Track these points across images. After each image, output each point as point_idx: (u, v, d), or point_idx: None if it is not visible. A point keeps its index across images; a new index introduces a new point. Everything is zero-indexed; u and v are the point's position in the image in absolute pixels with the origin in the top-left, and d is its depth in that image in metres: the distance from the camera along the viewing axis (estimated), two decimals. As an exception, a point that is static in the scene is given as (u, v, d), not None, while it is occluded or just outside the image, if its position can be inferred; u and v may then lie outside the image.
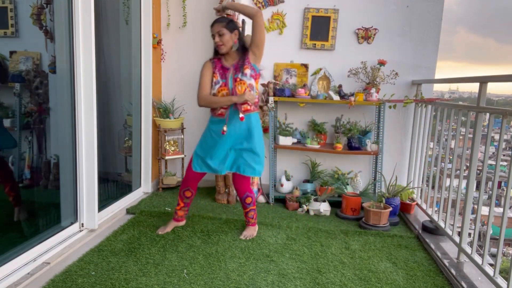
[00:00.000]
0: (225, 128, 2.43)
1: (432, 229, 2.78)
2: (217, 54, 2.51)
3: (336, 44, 3.54)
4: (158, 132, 3.55)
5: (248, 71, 2.43)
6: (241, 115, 2.40)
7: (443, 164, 2.77)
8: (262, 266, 2.25)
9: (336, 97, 3.37)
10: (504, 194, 1.88)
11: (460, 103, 2.78)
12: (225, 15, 2.61)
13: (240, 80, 2.42)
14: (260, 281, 2.08)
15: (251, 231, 2.70)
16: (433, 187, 2.94)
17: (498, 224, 2.21)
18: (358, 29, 3.49)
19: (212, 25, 2.43)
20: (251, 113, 2.49)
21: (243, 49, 2.48)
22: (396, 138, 3.58)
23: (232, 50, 2.45)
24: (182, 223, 2.76)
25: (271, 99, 3.38)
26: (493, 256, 2.18)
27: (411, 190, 3.32)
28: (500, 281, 1.91)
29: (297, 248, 2.52)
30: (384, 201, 3.03)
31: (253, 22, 2.40)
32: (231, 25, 2.42)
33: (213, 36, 2.44)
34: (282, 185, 3.56)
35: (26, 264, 2.02)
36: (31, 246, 2.10)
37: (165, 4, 3.62)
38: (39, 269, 2.04)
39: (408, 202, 3.25)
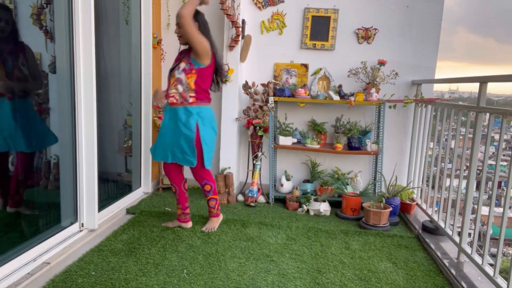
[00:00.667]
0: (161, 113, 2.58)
1: (432, 229, 2.78)
2: None
3: (336, 44, 3.54)
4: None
5: (182, 65, 2.52)
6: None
7: (443, 164, 2.77)
8: (262, 266, 2.25)
9: (336, 97, 3.37)
10: (504, 194, 1.88)
11: (460, 103, 2.78)
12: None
13: (173, 71, 2.55)
14: (260, 281, 2.08)
15: (213, 223, 2.75)
16: (433, 187, 2.94)
17: (498, 224, 2.20)
18: (358, 29, 3.49)
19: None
20: (178, 107, 2.53)
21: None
22: (396, 138, 3.58)
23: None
24: (187, 225, 2.78)
25: (271, 99, 3.38)
26: (493, 256, 2.18)
27: (411, 190, 3.31)
28: (500, 281, 1.91)
29: (297, 248, 2.52)
30: (384, 201, 3.03)
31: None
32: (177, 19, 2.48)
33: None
34: (282, 185, 3.56)
35: (26, 264, 2.01)
36: (31, 246, 2.10)
37: (165, 4, 3.62)
38: (39, 269, 2.04)
39: (408, 202, 3.25)
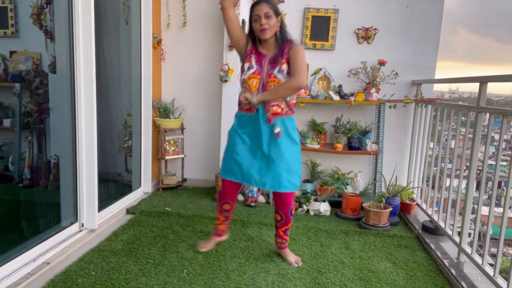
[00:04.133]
0: (274, 126, 2.09)
1: (432, 229, 2.78)
2: (254, 42, 2.16)
3: (336, 44, 3.54)
4: (158, 132, 3.54)
5: (285, 67, 2.07)
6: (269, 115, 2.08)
7: (443, 164, 2.78)
8: (262, 266, 2.25)
9: (336, 97, 3.37)
10: (504, 194, 1.88)
11: (460, 103, 2.78)
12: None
13: (275, 76, 2.07)
14: (260, 281, 2.08)
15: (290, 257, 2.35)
16: (433, 187, 2.94)
17: (498, 224, 2.20)
18: (358, 29, 3.49)
19: (257, 4, 2.05)
20: (284, 117, 2.13)
21: (284, 39, 2.12)
22: (396, 138, 3.58)
23: (272, 39, 2.12)
24: (225, 237, 2.49)
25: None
26: (493, 256, 2.18)
27: (411, 190, 3.31)
28: (500, 281, 1.91)
29: (297, 248, 2.52)
30: (384, 201, 3.03)
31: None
32: (277, 9, 2.09)
33: (257, 18, 2.04)
34: (282, 185, 3.55)
35: (26, 264, 2.01)
36: (31, 246, 2.10)
37: (165, 4, 3.62)
38: (39, 269, 2.04)
39: (408, 202, 3.25)
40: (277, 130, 2.07)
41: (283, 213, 2.25)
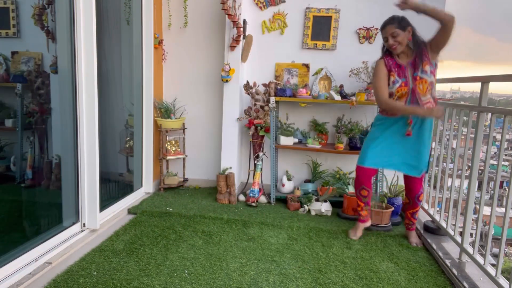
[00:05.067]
0: (410, 129, 2.42)
1: (434, 229, 2.78)
2: (388, 53, 2.46)
3: (337, 44, 3.54)
4: (160, 132, 3.55)
5: (428, 68, 2.33)
6: (409, 128, 2.42)
7: (444, 164, 2.77)
8: (264, 266, 2.25)
9: (338, 97, 3.37)
10: (506, 194, 1.88)
11: (462, 103, 2.77)
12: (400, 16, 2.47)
13: (421, 78, 2.33)
14: (262, 281, 2.08)
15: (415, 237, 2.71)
16: (434, 187, 2.93)
17: (500, 224, 2.20)
18: (360, 29, 3.49)
19: (384, 28, 2.39)
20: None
21: (418, 44, 2.37)
22: (397, 138, 3.57)
23: (406, 48, 2.39)
24: (369, 222, 2.76)
25: (272, 99, 3.37)
26: (495, 256, 2.18)
27: (412, 190, 3.30)
28: (502, 281, 1.91)
29: (298, 248, 2.52)
30: (386, 201, 3.03)
31: (443, 27, 2.26)
32: (403, 23, 2.36)
33: (385, 39, 2.38)
34: (283, 185, 3.56)
35: (28, 264, 2.02)
36: (33, 246, 2.10)
37: (166, 4, 3.63)
38: (40, 269, 2.05)
39: (409, 202, 3.24)
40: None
41: (410, 198, 2.65)
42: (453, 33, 2.26)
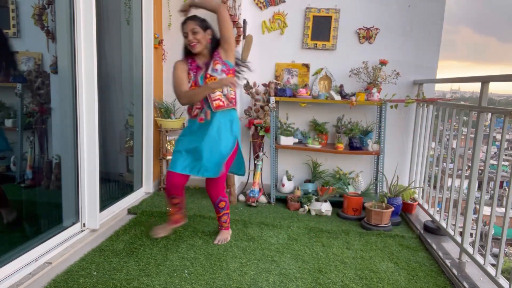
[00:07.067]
0: (202, 116, 2.34)
1: (434, 229, 2.77)
2: (189, 54, 2.42)
3: (337, 44, 3.54)
4: (160, 132, 3.55)
5: (219, 66, 2.34)
6: (202, 115, 2.34)
7: (444, 164, 2.77)
8: (264, 266, 2.25)
9: (338, 97, 3.37)
10: (506, 194, 1.88)
11: (462, 103, 2.77)
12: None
13: (210, 76, 2.33)
14: (262, 281, 2.08)
15: (225, 235, 2.59)
16: (434, 187, 2.93)
17: (500, 224, 2.20)
18: (360, 29, 3.49)
19: (184, 23, 2.34)
20: (224, 109, 2.37)
21: (213, 46, 2.39)
22: (397, 138, 3.58)
23: (205, 49, 2.37)
24: (182, 221, 2.64)
25: (272, 99, 3.37)
26: (495, 256, 2.18)
27: (412, 190, 3.31)
28: (502, 281, 1.91)
29: (298, 248, 2.52)
30: (386, 201, 3.03)
31: (218, 17, 2.32)
32: (205, 23, 2.36)
33: (185, 34, 2.33)
34: (283, 185, 3.56)
35: (28, 264, 2.02)
36: (32, 246, 2.10)
37: (166, 4, 3.62)
38: (40, 269, 2.05)
39: (409, 202, 3.25)
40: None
41: (212, 203, 2.59)
42: (227, 19, 2.32)
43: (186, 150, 2.37)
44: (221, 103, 2.36)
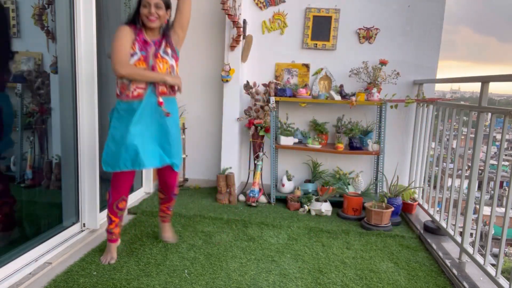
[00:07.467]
0: (161, 99, 2.12)
1: (434, 229, 2.77)
2: (134, 23, 2.15)
3: (337, 44, 3.54)
4: (160, 132, 3.54)
5: (169, 51, 2.19)
6: (160, 99, 2.11)
7: (444, 164, 2.77)
8: (264, 266, 2.25)
9: (338, 97, 3.37)
10: (506, 194, 1.88)
11: (462, 103, 2.77)
12: None
13: (162, 57, 2.14)
14: (262, 281, 2.08)
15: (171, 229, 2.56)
16: (434, 187, 2.93)
17: (500, 224, 2.20)
18: (360, 29, 3.49)
19: None
20: (169, 97, 2.20)
21: (167, 28, 2.22)
22: (397, 138, 3.58)
23: (159, 27, 2.19)
24: (118, 243, 2.32)
25: (272, 99, 3.37)
26: (495, 256, 2.18)
27: (412, 190, 3.31)
28: (502, 281, 1.91)
29: (298, 248, 2.52)
30: (386, 201, 3.03)
31: (180, 2, 2.20)
32: (168, 2, 2.19)
33: (147, 5, 2.08)
34: (283, 185, 3.56)
35: (28, 264, 2.02)
36: (32, 246, 2.10)
37: (166, 4, 3.62)
38: (40, 269, 2.05)
39: (409, 202, 3.25)
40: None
41: (166, 193, 2.46)
42: (190, 9, 2.24)
43: (144, 140, 2.11)
44: (165, 89, 2.17)
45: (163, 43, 2.18)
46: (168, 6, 2.18)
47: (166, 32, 2.20)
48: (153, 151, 2.15)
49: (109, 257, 2.24)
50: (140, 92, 2.09)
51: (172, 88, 2.21)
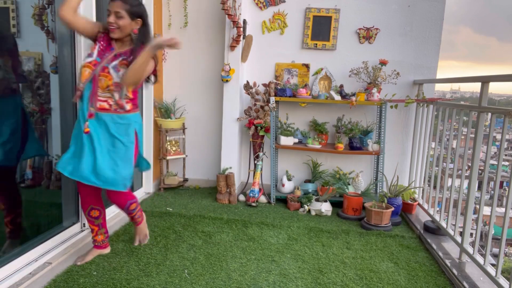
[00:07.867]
0: (87, 126, 1.92)
1: (434, 229, 2.78)
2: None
3: (337, 44, 3.54)
4: (160, 132, 3.55)
5: (122, 70, 1.95)
6: (91, 109, 1.91)
7: (444, 164, 2.77)
8: (264, 266, 2.25)
9: (338, 97, 3.37)
10: (506, 194, 1.88)
11: (462, 103, 2.77)
12: None
13: (108, 72, 1.93)
14: (262, 281, 2.08)
15: (144, 231, 2.43)
16: (434, 187, 2.93)
17: (500, 224, 2.20)
18: (360, 29, 3.49)
19: (114, 0, 1.93)
20: (111, 114, 1.97)
21: (137, 44, 2.00)
22: (397, 138, 3.58)
23: (126, 38, 2.02)
24: (107, 249, 2.31)
25: (272, 99, 3.37)
26: (495, 256, 2.18)
27: (412, 190, 3.31)
28: (502, 281, 1.91)
29: (298, 248, 2.52)
30: (386, 201, 3.03)
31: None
32: (136, 10, 1.96)
33: (108, 13, 1.94)
34: (283, 185, 3.56)
35: (28, 264, 2.02)
36: (33, 246, 2.10)
37: (166, 5, 3.63)
38: (40, 269, 2.04)
39: (409, 202, 3.25)
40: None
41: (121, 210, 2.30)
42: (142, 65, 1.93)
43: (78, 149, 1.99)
44: (106, 106, 1.96)
45: (119, 60, 1.97)
46: (135, 15, 1.96)
47: (134, 49, 1.98)
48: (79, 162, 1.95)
49: (81, 258, 2.20)
50: (78, 93, 1.96)
51: (119, 105, 1.99)
